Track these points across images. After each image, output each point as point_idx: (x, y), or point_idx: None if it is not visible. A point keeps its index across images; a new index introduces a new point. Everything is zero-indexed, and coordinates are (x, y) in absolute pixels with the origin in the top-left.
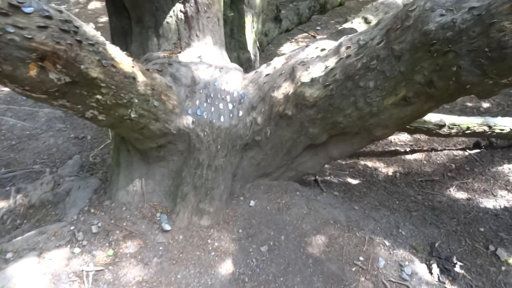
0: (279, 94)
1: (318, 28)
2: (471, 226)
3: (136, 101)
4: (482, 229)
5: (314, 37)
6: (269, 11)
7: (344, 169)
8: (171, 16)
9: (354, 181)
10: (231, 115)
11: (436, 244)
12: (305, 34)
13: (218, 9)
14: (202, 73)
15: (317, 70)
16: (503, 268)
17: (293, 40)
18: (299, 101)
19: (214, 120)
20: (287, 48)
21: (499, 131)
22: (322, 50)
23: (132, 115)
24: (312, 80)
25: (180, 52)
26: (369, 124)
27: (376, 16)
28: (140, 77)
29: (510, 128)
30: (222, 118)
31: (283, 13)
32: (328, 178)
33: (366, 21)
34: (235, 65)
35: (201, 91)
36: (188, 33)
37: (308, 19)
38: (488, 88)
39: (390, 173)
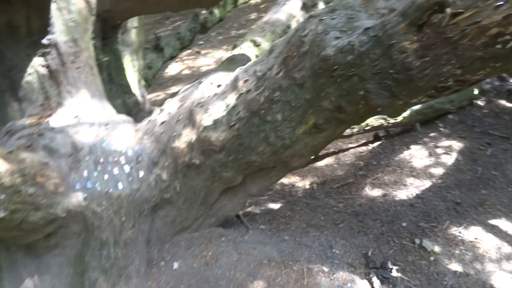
0: (181, 143)
1: (201, 42)
2: (394, 223)
3: (3, 197)
4: (404, 224)
5: (199, 52)
6: (147, 42)
7: (263, 193)
8: (30, 74)
9: (276, 206)
10: (130, 179)
11: (369, 253)
12: (189, 50)
13: (88, 56)
14: (84, 135)
15: (218, 111)
16: (431, 258)
17: (178, 59)
18: (206, 147)
19: (111, 190)
20: (174, 69)
21: (393, 121)
22: (219, 86)
23: (1, 215)
24: (215, 122)
25: (50, 115)
26: (284, 157)
27: (264, 37)
28: (2, 167)
29: (402, 117)
30: (120, 185)
31: (163, 41)
32: (250, 209)
33: (255, 44)
34: (123, 117)
35: (87, 158)
36: (57, 90)
37: (191, 42)
38: (399, 108)
39: (307, 186)
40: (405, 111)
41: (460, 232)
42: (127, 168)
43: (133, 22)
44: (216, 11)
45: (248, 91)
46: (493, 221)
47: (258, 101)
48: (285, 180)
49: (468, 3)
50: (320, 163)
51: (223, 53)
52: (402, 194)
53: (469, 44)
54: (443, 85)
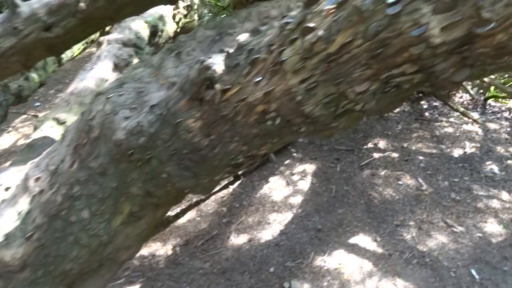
0: None
1: (38, 104)
2: (262, 271)
3: None
4: (272, 269)
5: (36, 116)
6: None
7: (119, 275)
8: None
9: None
10: None
11: None
12: (25, 116)
13: None
14: None
15: (9, 222)
16: None
17: (10, 128)
18: (2, 270)
19: None
20: (6, 141)
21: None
22: (7, 189)
23: None
24: (7, 237)
25: None
26: (107, 254)
27: (70, 112)
28: None
29: None
30: None
31: None
32: None
33: (59, 122)
34: None
35: None
36: None
37: (5, 117)
38: (208, 186)
39: (170, 252)
40: (215, 186)
41: (325, 262)
42: None
43: None
44: (34, 75)
45: (42, 191)
46: (352, 240)
47: (55, 201)
48: (144, 251)
49: (233, 78)
50: (182, 220)
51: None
52: (267, 234)
53: (244, 122)
54: (235, 162)
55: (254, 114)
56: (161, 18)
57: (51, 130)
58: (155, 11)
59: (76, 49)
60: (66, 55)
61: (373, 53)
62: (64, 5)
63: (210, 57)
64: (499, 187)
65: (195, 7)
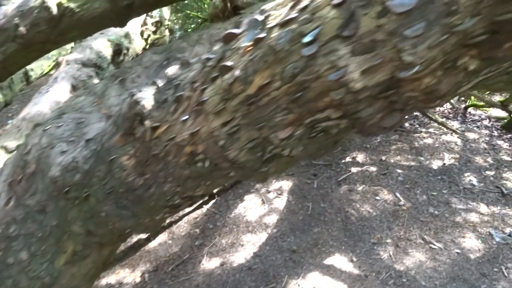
0: None
1: (10, 121)
2: None
3: None
4: None
5: None
6: None
7: None
8: None
9: None
10: None
11: None
12: None
13: None
14: None
15: None
16: None
17: None
18: None
19: None
20: None
21: None
22: None
23: None
24: None
25: None
26: None
27: (20, 138)
28: None
29: None
30: None
31: None
32: None
33: (7, 151)
34: None
35: None
36: None
37: None
38: (152, 225)
39: (138, 279)
40: (160, 225)
41: (298, 286)
42: None
43: None
44: None
45: None
46: (328, 261)
47: None
48: (111, 279)
49: (162, 115)
50: (153, 243)
51: None
52: (240, 257)
53: (175, 162)
54: (172, 203)
55: (183, 155)
56: (126, 35)
57: None
58: (120, 29)
59: (46, 66)
60: (35, 72)
61: (292, 97)
62: (1, 30)
63: (140, 91)
64: (477, 199)
65: (166, 22)
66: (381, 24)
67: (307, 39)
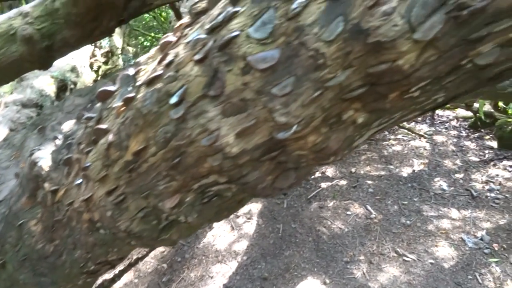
0: None
1: None
2: None
3: None
4: None
5: None
6: None
7: None
8: None
9: None
10: None
11: None
12: None
13: None
14: None
15: None
16: None
17: None
18: None
19: None
20: None
21: None
22: None
23: None
24: None
25: None
26: None
27: None
28: None
29: None
30: None
31: None
32: None
33: None
34: None
35: None
36: None
37: None
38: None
39: None
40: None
41: None
42: None
43: None
44: None
45: None
46: (300, 286)
47: None
48: None
49: (59, 177)
50: (118, 284)
51: None
52: None
53: (79, 228)
54: (88, 269)
55: (84, 222)
56: (73, 69)
57: None
58: (65, 63)
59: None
60: None
61: (171, 163)
62: None
63: (39, 149)
64: (448, 205)
65: (119, 51)
66: (247, 82)
67: (173, 99)
